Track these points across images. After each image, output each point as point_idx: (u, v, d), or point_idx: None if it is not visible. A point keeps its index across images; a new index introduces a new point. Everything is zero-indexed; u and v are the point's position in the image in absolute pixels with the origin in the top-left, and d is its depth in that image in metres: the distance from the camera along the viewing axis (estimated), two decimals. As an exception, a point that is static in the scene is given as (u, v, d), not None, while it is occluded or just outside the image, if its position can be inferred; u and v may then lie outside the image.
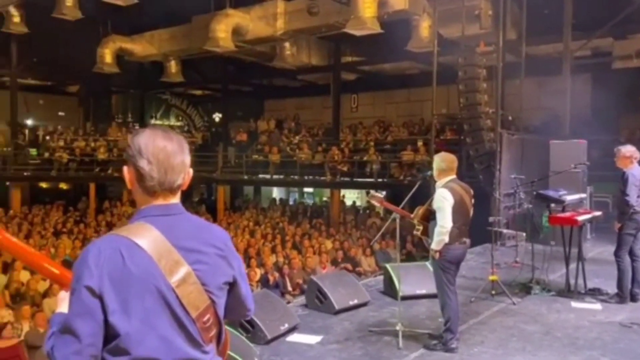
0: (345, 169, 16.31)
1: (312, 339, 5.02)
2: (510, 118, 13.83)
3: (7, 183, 19.41)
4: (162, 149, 1.58)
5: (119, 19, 17.11)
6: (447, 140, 15.16)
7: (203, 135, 23.70)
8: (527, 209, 8.15)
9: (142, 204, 1.62)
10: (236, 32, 14.57)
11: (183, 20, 16.28)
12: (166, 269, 1.52)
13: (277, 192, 22.96)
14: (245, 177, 18.32)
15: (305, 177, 17.30)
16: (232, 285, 1.72)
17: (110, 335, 1.46)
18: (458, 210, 4.64)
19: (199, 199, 21.52)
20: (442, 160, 4.81)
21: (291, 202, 21.41)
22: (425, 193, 6.18)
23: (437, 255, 4.64)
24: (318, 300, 5.93)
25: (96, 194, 19.04)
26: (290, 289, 9.91)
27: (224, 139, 21.11)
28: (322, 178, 16.73)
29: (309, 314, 5.84)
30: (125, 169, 1.62)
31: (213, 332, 1.63)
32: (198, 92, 25.86)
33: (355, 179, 16.27)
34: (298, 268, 10.35)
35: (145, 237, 1.52)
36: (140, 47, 17.68)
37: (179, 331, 1.53)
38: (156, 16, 16.41)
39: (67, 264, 10.13)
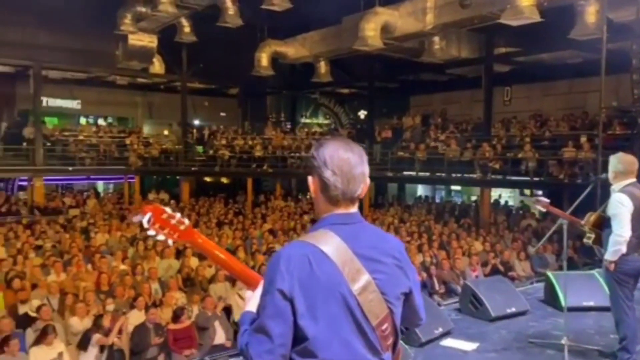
0: (497, 166, 15.51)
1: (468, 346, 4.87)
2: (697, 110, 12.06)
3: (178, 177, 21.73)
4: (346, 161, 1.64)
5: (274, 24, 18.11)
6: (616, 135, 13.66)
7: (349, 132, 24.19)
8: None
9: (325, 212, 1.69)
10: (385, 29, 14.60)
11: (334, 21, 16.74)
12: (349, 277, 1.57)
13: (421, 190, 22.64)
14: (390, 174, 18.32)
15: (453, 175, 16.79)
16: (408, 296, 1.73)
17: (298, 337, 1.55)
18: (638, 217, 4.16)
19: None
20: (619, 162, 4.34)
21: (437, 200, 20.97)
22: (593, 196, 5.64)
23: (612, 267, 4.21)
24: (472, 305, 5.73)
25: (253, 188, 20.45)
26: (437, 289, 9.72)
27: (369, 136, 21.33)
28: (472, 176, 16.10)
29: (462, 319, 5.68)
30: (310, 179, 1.71)
31: (390, 340, 1.66)
32: (345, 91, 26.44)
33: (508, 177, 15.40)
34: (447, 269, 10.11)
35: (329, 244, 1.59)
36: (293, 49, 18.55)
37: (360, 338, 1.58)
38: (308, 19, 17.07)
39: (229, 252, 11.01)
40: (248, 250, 11.80)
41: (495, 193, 18.20)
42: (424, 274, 9.82)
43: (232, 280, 9.19)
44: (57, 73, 20.76)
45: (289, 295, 1.54)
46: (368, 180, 1.71)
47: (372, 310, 1.58)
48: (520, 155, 15.11)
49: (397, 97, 24.80)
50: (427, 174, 17.37)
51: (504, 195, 19.64)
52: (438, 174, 16.93)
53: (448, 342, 4.98)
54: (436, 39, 15.48)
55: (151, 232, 1.82)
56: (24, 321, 7.36)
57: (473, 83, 19.39)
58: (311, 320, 1.54)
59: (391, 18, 14.60)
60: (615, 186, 4.33)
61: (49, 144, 19.37)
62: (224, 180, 24.13)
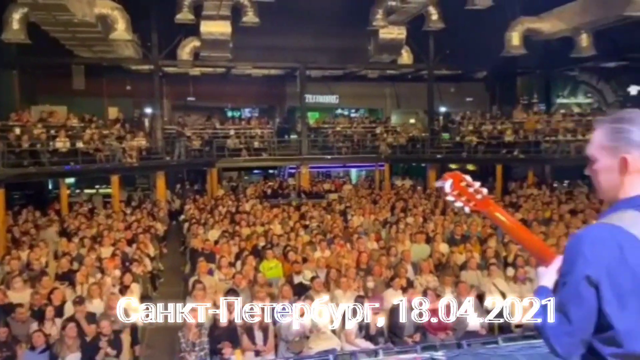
0: None
1: None
2: None
3: (424, 165, 22.12)
4: None
5: (526, 0, 16.99)
6: None
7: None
8: None
9: (629, 192, 1.56)
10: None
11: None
12: None
13: None
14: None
15: None
16: None
17: (602, 324, 1.46)
18: None
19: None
20: None
21: None
22: None
23: None
24: None
25: (502, 175, 19.61)
26: None
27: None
28: None
29: None
30: (605, 158, 1.59)
31: None
32: (611, 65, 23.29)
33: None
34: None
35: None
36: (549, 24, 17.11)
37: None
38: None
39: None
40: (499, 240, 11.39)
41: None
42: None
43: (484, 269, 9.03)
44: (318, 72, 23.06)
45: (594, 281, 1.46)
46: None
47: None
48: None
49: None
50: None
51: None
52: None
53: None
54: None
55: (450, 199, 1.88)
56: (299, 290, 8.46)
57: None
58: (619, 311, 1.44)
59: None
60: None
61: (312, 135, 21.67)
62: (470, 167, 23.65)
